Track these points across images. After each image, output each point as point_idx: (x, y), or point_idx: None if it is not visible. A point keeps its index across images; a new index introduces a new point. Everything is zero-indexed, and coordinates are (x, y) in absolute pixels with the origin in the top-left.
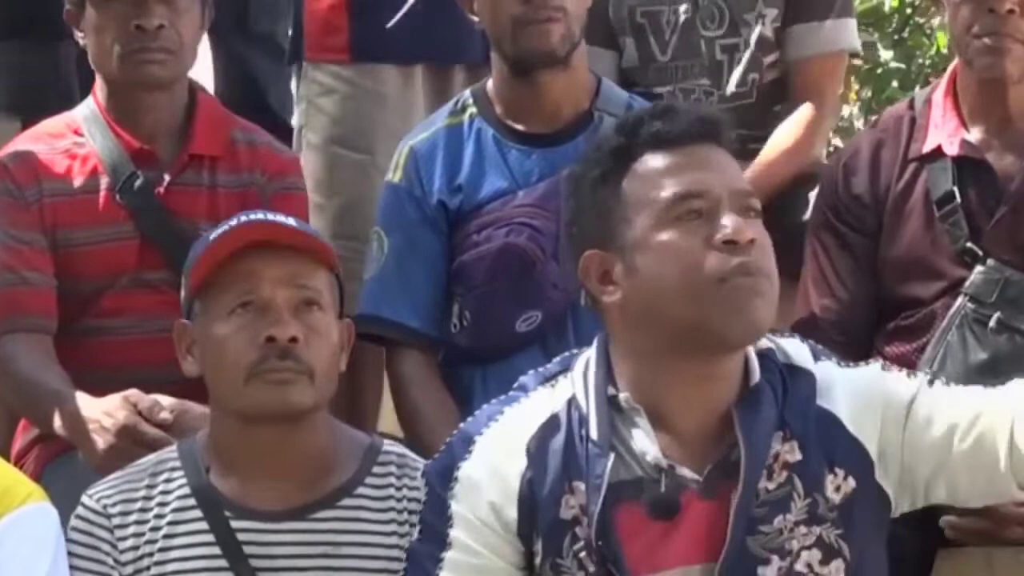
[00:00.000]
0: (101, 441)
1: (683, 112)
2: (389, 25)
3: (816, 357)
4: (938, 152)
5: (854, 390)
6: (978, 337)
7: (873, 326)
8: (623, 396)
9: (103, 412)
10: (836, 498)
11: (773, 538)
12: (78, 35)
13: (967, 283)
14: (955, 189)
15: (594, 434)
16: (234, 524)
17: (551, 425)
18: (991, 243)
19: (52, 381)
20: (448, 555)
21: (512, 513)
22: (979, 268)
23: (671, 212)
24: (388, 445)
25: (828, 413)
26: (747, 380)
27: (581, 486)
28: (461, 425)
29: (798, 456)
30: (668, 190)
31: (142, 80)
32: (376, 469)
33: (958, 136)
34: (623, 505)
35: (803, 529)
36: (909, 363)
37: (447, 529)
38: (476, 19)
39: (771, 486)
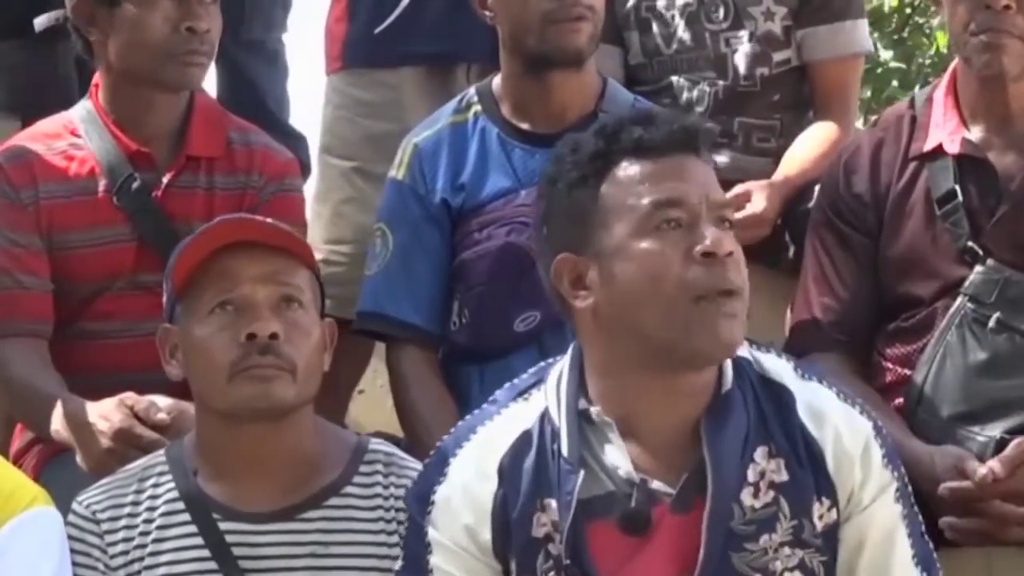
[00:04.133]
0: (97, 444)
1: (664, 120)
2: (378, 30)
3: (805, 376)
4: (939, 151)
5: (843, 439)
6: (977, 337)
7: (874, 325)
8: (594, 410)
9: (99, 415)
10: (820, 526)
11: (758, 557)
12: (91, 31)
13: (967, 283)
14: (956, 187)
15: (565, 450)
16: (223, 526)
17: (523, 442)
18: (992, 242)
19: (47, 386)
20: None
21: (487, 534)
22: (979, 268)
23: (651, 221)
24: (375, 444)
25: (816, 442)
26: (719, 387)
27: (552, 503)
28: (438, 444)
29: (784, 477)
30: (648, 198)
31: (182, 81)
32: (363, 468)
33: (959, 135)
34: (595, 521)
35: (787, 551)
36: (910, 364)
37: (427, 555)
38: (489, 14)
39: (757, 504)
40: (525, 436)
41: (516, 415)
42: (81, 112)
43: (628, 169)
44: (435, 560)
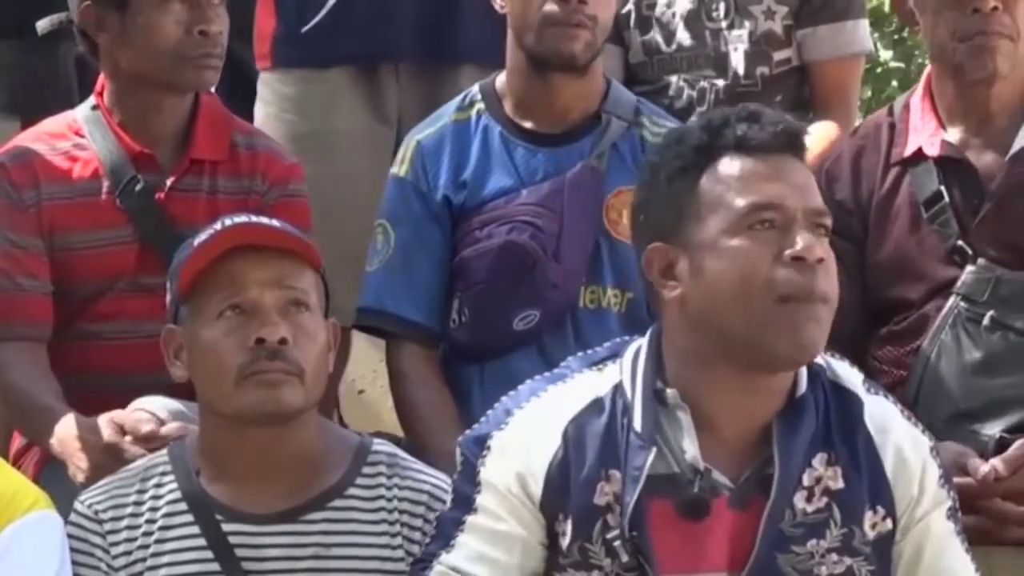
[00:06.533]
0: (86, 459)
1: (770, 120)
2: (304, 29)
3: (871, 390)
4: (919, 155)
5: (904, 452)
6: (972, 336)
7: (863, 332)
8: (670, 392)
9: (88, 430)
10: (871, 534)
11: (804, 560)
12: (100, 35)
13: (959, 283)
14: (942, 189)
15: (638, 425)
16: (225, 527)
17: (594, 409)
18: (978, 241)
19: (43, 396)
20: (471, 518)
21: (537, 488)
22: (970, 268)
23: (745, 220)
24: (378, 444)
25: (878, 452)
26: (793, 391)
27: (617, 474)
28: (502, 398)
29: (840, 484)
30: (746, 197)
31: (197, 84)
32: (366, 469)
33: (938, 137)
34: (656, 499)
35: (835, 557)
36: (903, 365)
37: (475, 495)
38: (500, 3)
39: (809, 508)
40: (596, 403)
41: (589, 382)
42: (85, 112)
43: (729, 165)
44: (482, 500)
